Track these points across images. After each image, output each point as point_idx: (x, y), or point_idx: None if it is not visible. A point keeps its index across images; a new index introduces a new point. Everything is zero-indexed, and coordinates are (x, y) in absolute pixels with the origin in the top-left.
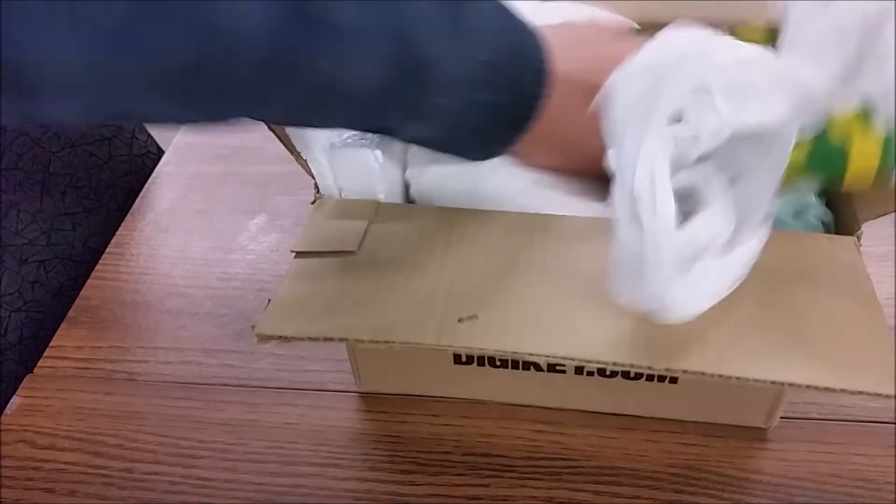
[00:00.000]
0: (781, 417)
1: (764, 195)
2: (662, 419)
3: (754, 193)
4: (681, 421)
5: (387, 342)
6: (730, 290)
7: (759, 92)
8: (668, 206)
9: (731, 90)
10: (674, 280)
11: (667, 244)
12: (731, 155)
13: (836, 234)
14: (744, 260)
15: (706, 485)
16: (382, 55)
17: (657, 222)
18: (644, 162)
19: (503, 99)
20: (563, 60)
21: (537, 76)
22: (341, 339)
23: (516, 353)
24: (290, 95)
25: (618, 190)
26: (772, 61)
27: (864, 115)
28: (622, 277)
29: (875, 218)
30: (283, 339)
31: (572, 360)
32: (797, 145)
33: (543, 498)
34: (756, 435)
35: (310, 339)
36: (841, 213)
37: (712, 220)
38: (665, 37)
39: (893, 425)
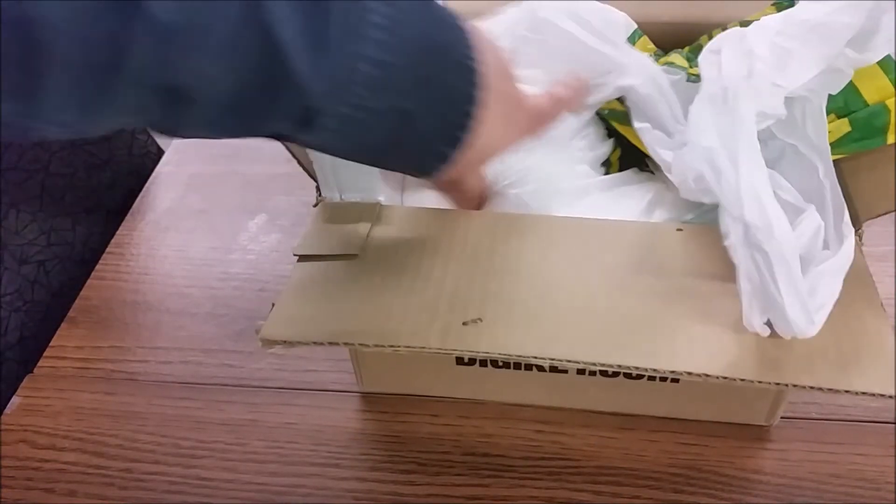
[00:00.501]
0: (781, 417)
1: (829, 183)
2: (663, 419)
3: (817, 183)
4: (681, 421)
5: (392, 347)
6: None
7: (796, 50)
8: (785, 227)
9: (775, 58)
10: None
11: (794, 264)
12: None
13: None
14: (846, 257)
15: (706, 485)
16: (239, 59)
17: (779, 245)
18: (748, 188)
19: (432, 106)
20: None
21: (466, 74)
22: (346, 345)
23: (521, 356)
24: (125, 101)
25: (727, 218)
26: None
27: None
28: (757, 307)
29: (875, 217)
30: (288, 344)
31: (577, 363)
32: (839, 120)
33: (543, 498)
34: (756, 435)
35: (315, 343)
36: None
37: (810, 222)
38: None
39: (893, 425)
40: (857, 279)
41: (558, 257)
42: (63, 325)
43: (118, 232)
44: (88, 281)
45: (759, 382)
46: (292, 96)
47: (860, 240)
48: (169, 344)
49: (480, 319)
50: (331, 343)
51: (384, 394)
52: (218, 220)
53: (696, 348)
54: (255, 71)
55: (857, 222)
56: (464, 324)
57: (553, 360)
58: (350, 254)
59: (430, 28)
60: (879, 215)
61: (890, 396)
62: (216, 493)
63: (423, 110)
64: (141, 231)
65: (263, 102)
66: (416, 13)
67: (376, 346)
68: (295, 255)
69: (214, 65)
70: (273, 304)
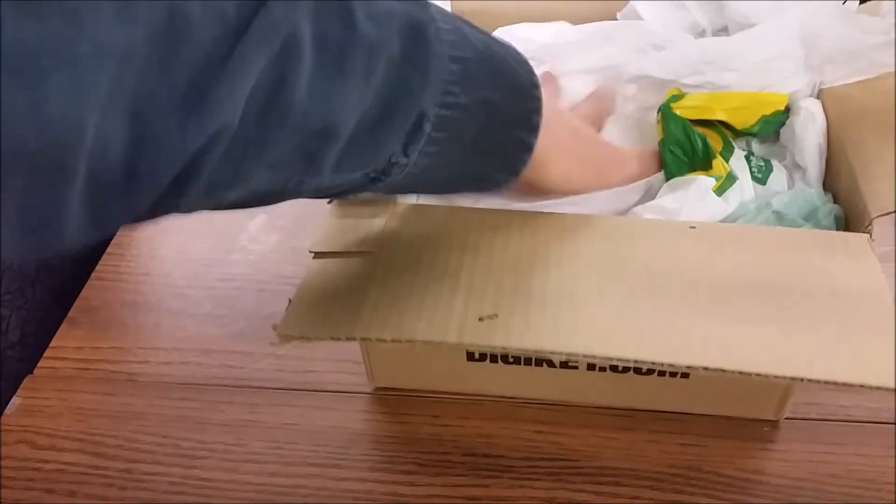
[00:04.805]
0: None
1: None
2: (663, 419)
3: None
4: (681, 421)
5: (409, 341)
6: None
7: None
8: None
9: None
10: None
11: None
12: None
13: (846, 228)
14: None
15: (706, 485)
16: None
17: None
18: None
19: (506, 94)
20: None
21: (525, 65)
22: (364, 339)
23: (538, 351)
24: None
25: None
26: None
27: None
28: None
29: (886, 214)
30: (305, 339)
31: (593, 357)
32: None
33: (543, 498)
34: (756, 435)
35: (332, 338)
36: (851, 208)
37: None
38: None
39: (893, 425)
40: (869, 277)
41: (573, 252)
42: (63, 325)
43: (118, 232)
44: (88, 281)
45: (775, 377)
46: (411, 100)
47: (871, 235)
48: (169, 344)
49: (496, 315)
50: (348, 338)
51: (389, 392)
52: (218, 220)
53: (711, 344)
54: (390, 87)
55: (867, 215)
56: (480, 319)
57: (570, 354)
58: (365, 251)
59: (484, 36)
60: (889, 213)
61: (890, 421)
62: (216, 493)
63: (502, 98)
64: (141, 231)
65: (391, 114)
66: (468, 25)
67: (394, 340)
68: (311, 251)
69: (357, 91)
70: (290, 300)
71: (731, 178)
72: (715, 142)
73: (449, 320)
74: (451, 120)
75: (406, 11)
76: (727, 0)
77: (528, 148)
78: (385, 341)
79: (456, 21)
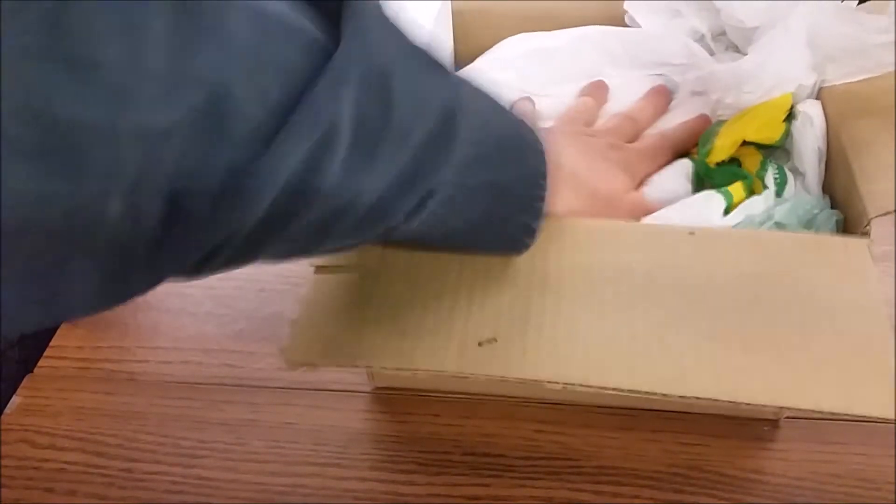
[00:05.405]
0: (783, 418)
1: None
2: (663, 418)
3: None
4: (682, 420)
5: (411, 370)
6: None
7: None
8: None
9: None
10: None
11: None
12: None
13: (845, 229)
14: None
15: (706, 485)
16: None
17: None
18: None
19: (514, 180)
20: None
21: (538, 153)
22: (367, 368)
23: (537, 380)
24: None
25: None
26: None
27: None
28: None
29: (884, 215)
30: (311, 365)
31: (590, 387)
32: None
33: (543, 498)
34: (757, 434)
35: (338, 365)
36: (850, 208)
37: None
38: None
39: (893, 425)
40: (866, 291)
41: (571, 262)
42: (63, 325)
43: None
44: None
45: (765, 407)
46: (425, 180)
47: (868, 237)
48: (169, 344)
49: (495, 339)
50: (353, 366)
51: (389, 392)
52: None
53: (704, 370)
54: (411, 168)
55: (866, 215)
56: (479, 344)
57: (567, 384)
58: (366, 267)
59: (505, 117)
60: (888, 213)
61: (890, 421)
62: (216, 492)
63: (509, 183)
64: None
65: (404, 192)
66: (494, 104)
67: (396, 369)
68: (312, 266)
69: (383, 174)
70: (293, 322)
71: (744, 198)
72: (753, 162)
73: (448, 345)
74: (456, 199)
75: (441, 98)
76: (721, 3)
77: (531, 232)
78: (387, 369)
79: (482, 100)
